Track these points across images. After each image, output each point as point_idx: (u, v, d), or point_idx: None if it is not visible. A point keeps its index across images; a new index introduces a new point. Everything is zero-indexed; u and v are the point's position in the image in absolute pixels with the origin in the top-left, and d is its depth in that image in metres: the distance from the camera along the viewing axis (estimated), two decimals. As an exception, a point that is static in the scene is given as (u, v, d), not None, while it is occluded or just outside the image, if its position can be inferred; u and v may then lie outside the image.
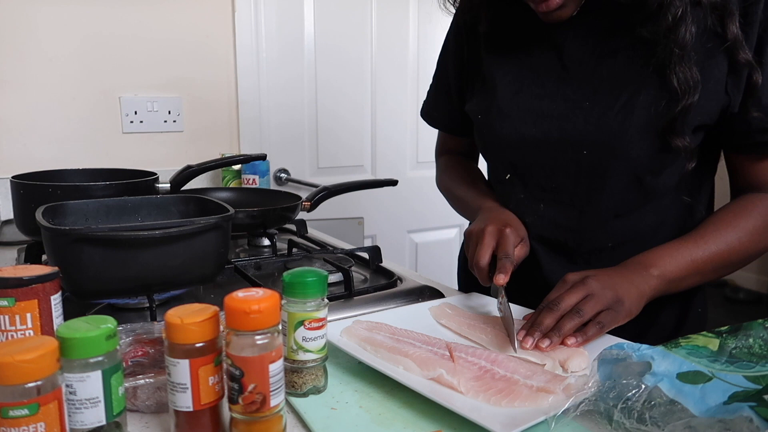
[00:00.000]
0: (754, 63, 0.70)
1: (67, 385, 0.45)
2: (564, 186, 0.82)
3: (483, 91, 0.88)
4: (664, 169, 0.77)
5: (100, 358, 0.46)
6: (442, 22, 1.00)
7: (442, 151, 1.10)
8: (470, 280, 0.94)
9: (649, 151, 0.75)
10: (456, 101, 0.96)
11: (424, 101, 1.06)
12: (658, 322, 0.85)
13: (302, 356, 0.57)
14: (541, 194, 0.85)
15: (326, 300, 0.58)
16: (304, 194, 1.21)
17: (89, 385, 0.46)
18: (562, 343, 0.66)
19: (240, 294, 0.49)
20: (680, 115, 0.71)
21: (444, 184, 1.04)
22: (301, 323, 0.56)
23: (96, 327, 0.46)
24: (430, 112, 1.05)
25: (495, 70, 0.86)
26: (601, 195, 0.80)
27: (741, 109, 0.73)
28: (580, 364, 0.62)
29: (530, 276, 0.85)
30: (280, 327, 0.50)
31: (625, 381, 0.50)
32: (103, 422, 0.47)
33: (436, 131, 1.09)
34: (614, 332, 0.69)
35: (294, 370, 0.58)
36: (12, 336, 0.53)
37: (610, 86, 0.76)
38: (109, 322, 0.47)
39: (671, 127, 0.72)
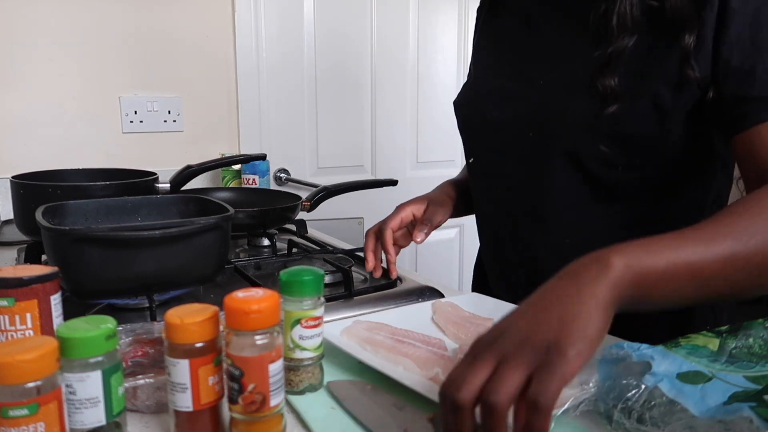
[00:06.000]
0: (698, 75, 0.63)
1: (66, 385, 0.45)
2: (514, 172, 0.79)
3: (468, 75, 0.90)
4: (618, 161, 0.69)
5: (100, 358, 0.46)
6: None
7: None
8: (483, 281, 0.95)
9: (593, 136, 0.68)
10: None
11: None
12: (660, 321, 0.74)
13: (299, 354, 0.57)
14: (496, 180, 0.83)
15: (323, 298, 0.58)
16: (304, 194, 1.21)
17: (89, 385, 0.46)
18: None
19: (240, 294, 0.49)
20: (613, 56, 0.65)
21: None
22: (298, 322, 0.56)
23: (96, 327, 0.46)
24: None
25: (478, 53, 0.87)
26: (548, 184, 0.74)
27: (713, 91, 0.63)
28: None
29: (498, 270, 0.86)
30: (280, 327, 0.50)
31: (625, 381, 0.50)
32: (103, 422, 0.47)
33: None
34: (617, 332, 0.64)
35: (290, 369, 0.58)
36: (12, 336, 0.53)
37: (568, 63, 0.70)
38: (109, 322, 0.47)
39: (600, 69, 0.66)
